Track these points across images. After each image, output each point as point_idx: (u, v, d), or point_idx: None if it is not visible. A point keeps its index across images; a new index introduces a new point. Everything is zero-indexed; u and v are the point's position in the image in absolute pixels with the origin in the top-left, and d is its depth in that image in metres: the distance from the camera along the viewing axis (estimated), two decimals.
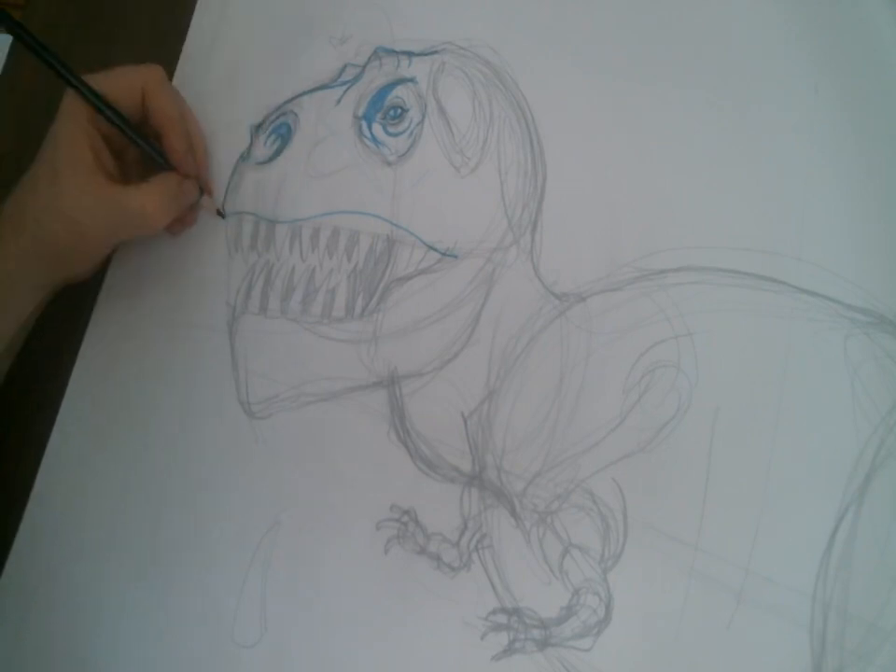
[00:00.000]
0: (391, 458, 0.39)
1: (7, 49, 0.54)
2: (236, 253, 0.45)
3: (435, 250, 0.41)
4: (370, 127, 0.43)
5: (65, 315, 0.47)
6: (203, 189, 0.45)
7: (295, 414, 0.41)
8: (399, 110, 0.43)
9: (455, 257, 0.41)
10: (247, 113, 0.47)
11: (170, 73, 0.48)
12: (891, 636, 0.32)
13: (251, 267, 0.44)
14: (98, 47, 0.52)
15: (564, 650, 0.35)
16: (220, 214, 0.46)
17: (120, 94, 0.41)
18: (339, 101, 0.44)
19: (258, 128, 0.46)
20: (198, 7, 0.50)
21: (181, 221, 0.45)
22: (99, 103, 0.40)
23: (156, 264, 0.47)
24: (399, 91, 0.43)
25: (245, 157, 0.46)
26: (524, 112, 0.42)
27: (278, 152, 0.45)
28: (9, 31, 0.38)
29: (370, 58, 0.45)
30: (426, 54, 0.44)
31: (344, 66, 0.45)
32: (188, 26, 0.50)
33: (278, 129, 0.45)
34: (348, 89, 0.44)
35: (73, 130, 0.40)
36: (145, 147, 0.42)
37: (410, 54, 0.44)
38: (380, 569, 0.38)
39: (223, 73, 0.48)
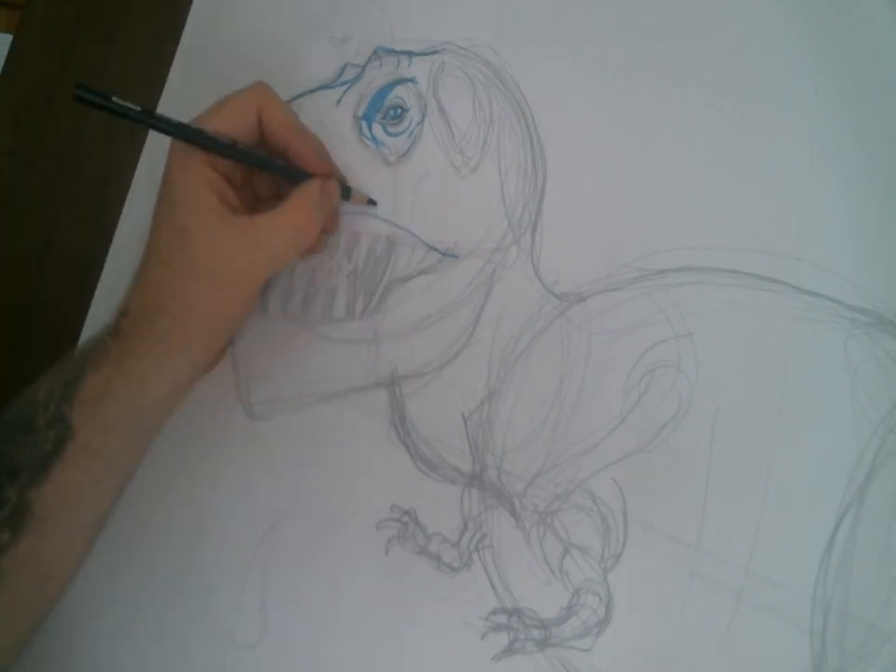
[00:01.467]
0: (391, 458, 0.39)
1: (6, 50, 0.54)
2: None
3: (435, 250, 0.41)
4: (370, 127, 0.43)
5: (62, 315, 0.46)
6: (343, 183, 0.40)
7: (296, 415, 0.41)
8: (399, 110, 0.43)
9: (456, 257, 0.41)
10: None
11: (166, 73, 0.48)
12: (892, 636, 0.32)
13: None
14: (98, 47, 0.51)
15: (564, 650, 0.35)
16: (372, 202, 0.41)
17: (238, 126, 0.36)
18: (339, 101, 0.44)
19: None
20: (195, 6, 0.50)
21: (325, 230, 0.40)
22: (221, 148, 0.36)
23: None
24: (400, 91, 0.43)
25: None
26: (524, 112, 0.42)
27: None
28: (146, 123, 0.34)
29: (370, 58, 0.44)
30: (426, 54, 0.44)
31: (344, 66, 0.45)
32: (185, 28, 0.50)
33: None
34: (348, 89, 0.44)
35: (188, 180, 0.35)
36: (276, 168, 0.38)
37: (410, 54, 0.44)
38: (380, 569, 0.38)
39: (222, 73, 0.48)
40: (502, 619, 0.36)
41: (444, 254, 0.41)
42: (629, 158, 0.40)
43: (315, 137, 0.40)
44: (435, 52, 0.43)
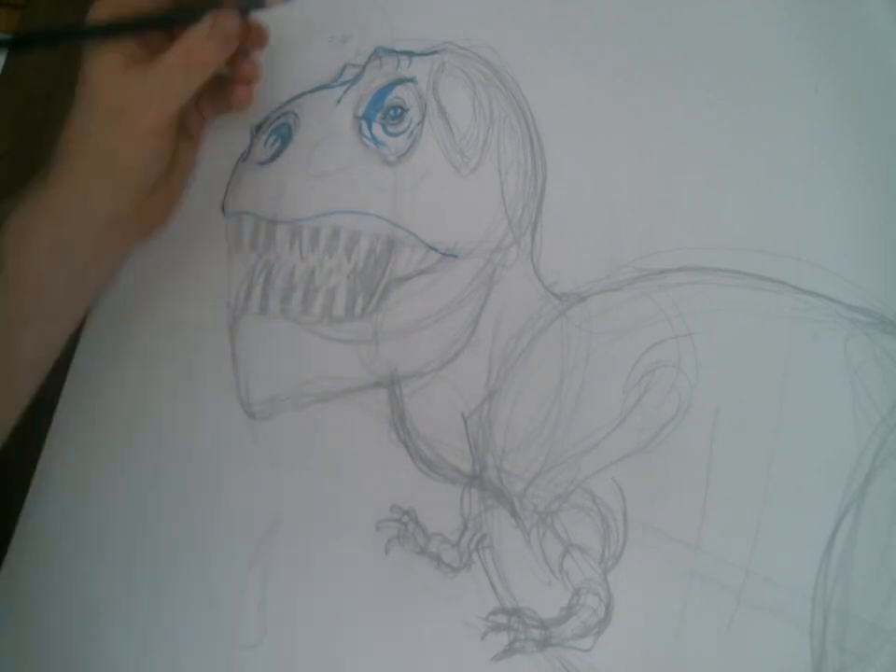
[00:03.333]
0: (391, 458, 0.39)
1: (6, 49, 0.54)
2: (236, 253, 0.45)
3: (435, 250, 0.41)
4: (370, 127, 0.43)
5: None
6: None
7: (295, 415, 0.41)
8: (399, 110, 0.43)
9: (456, 257, 0.41)
10: (247, 113, 0.47)
11: None
12: (892, 636, 0.32)
13: (251, 267, 0.44)
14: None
15: (564, 650, 0.35)
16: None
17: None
18: (339, 101, 0.44)
19: (257, 128, 0.46)
20: None
21: (243, 72, 0.42)
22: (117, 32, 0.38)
23: (155, 264, 0.47)
24: (399, 91, 0.43)
25: (244, 157, 0.46)
26: (524, 112, 0.42)
27: (278, 152, 0.45)
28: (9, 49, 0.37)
29: (370, 58, 0.45)
30: (426, 54, 0.44)
31: (344, 66, 0.45)
32: None
33: (278, 129, 0.45)
34: (348, 89, 0.44)
35: (98, 58, 0.38)
36: (182, 18, 0.39)
37: (410, 54, 0.44)
38: (380, 569, 0.38)
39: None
40: (502, 619, 0.36)
41: (444, 254, 0.41)
42: (629, 158, 0.40)
43: None
44: (435, 52, 0.43)
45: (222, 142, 0.47)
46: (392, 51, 0.44)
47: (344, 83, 0.45)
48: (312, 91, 0.45)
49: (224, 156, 0.46)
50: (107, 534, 0.43)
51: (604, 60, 0.41)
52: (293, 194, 0.44)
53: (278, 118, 0.46)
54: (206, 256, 0.45)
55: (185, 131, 0.43)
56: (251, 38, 0.42)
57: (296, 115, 0.45)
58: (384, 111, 0.43)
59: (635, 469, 0.36)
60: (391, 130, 0.43)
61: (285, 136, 0.45)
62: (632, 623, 0.35)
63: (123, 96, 0.38)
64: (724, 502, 0.34)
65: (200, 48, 0.38)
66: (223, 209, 0.46)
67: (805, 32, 0.39)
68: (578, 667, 0.35)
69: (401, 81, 0.43)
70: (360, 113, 0.43)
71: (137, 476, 0.43)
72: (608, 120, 0.40)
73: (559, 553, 0.36)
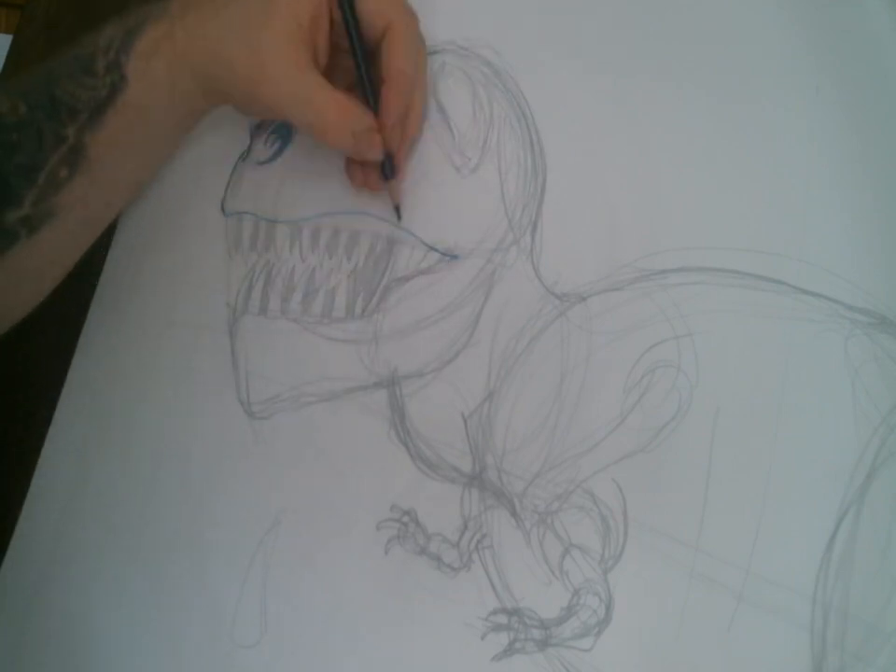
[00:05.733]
0: (391, 459, 0.39)
1: (6, 49, 0.54)
2: (236, 253, 0.45)
3: (435, 250, 0.41)
4: None
5: (62, 314, 0.46)
6: (394, 169, 0.40)
7: (295, 415, 0.41)
8: None
9: (456, 257, 0.41)
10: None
11: None
12: (892, 637, 0.32)
13: (251, 267, 0.44)
14: None
15: (564, 650, 0.35)
16: (397, 212, 0.41)
17: (367, 14, 0.38)
18: None
19: (258, 128, 0.46)
20: None
21: (364, 176, 0.41)
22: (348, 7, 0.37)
23: (155, 264, 0.47)
24: None
25: (244, 157, 0.46)
26: (524, 112, 0.42)
27: (278, 152, 0.45)
28: None
29: None
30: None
31: None
32: None
33: (278, 129, 0.45)
34: None
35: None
36: (363, 78, 0.39)
37: None
38: (380, 570, 0.38)
39: None
40: (502, 619, 0.36)
41: (444, 254, 0.41)
42: (629, 158, 0.40)
43: (416, 112, 0.40)
44: (435, 52, 0.43)
45: (222, 142, 0.47)
46: None
47: None
48: None
49: (224, 156, 0.46)
50: (107, 534, 0.43)
51: (604, 60, 0.41)
52: (293, 194, 0.44)
53: None
54: (206, 256, 0.45)
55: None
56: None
57: None
58: None
59: (635, 469, 0.36)
60: None
61: (285, 136, 0.45)
62: (632, 623, 0.35)
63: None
64: (724, 502, 0.34)
65: (336, 135, 0.38)
66: (223, 209, 0.46)
67: (806, 32, 0.39)
68: (578, 667, 0.35)
69: None
70: None
71: (137, 476, 0.43)
72: (608, 120, 0.40)
73: (559, 553, 0.36)
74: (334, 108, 0.37)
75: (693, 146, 0.39)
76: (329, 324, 0.42)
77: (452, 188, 0.41)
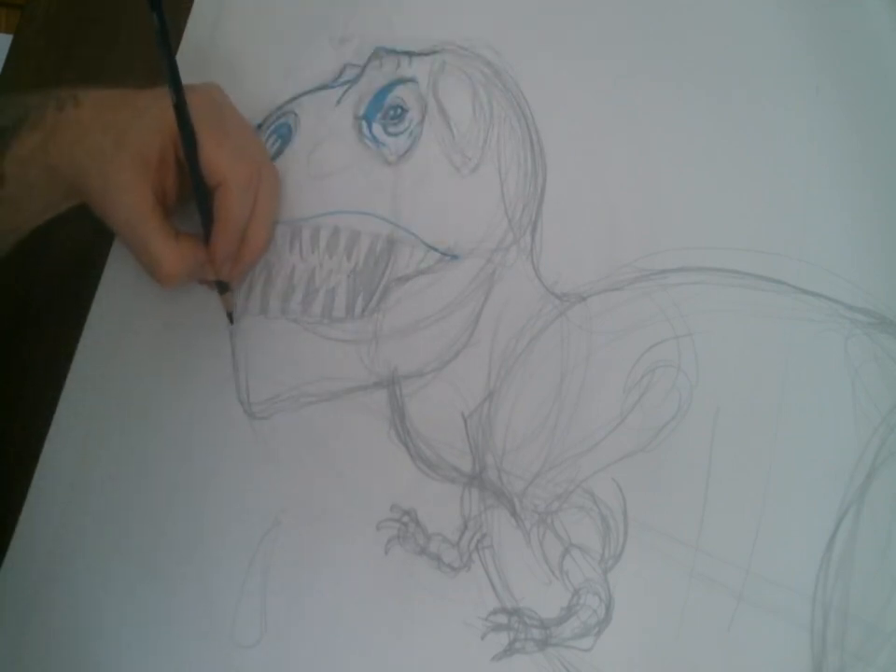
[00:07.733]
0: (391, 458, 0.39)
1: (6, 49, 0.54)
2: None
3: (435, 250, 0.41)
4: (370, 127, 0.43)
5: (62, 315, 0.46)
6: (226, 286, 0.42)
7: (295, 415, 0.41)
8: (400, 110, 0.43)
9: (456, 257, 0.41)
10: (247, 114, 0.46)
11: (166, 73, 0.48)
12: (892, 637, 0.32)
13: None
14: (98, 47, 0.51)
15: (564, 650, 0.35)
16: (229, 318, 0.43)
17: (205, 164, 0.39)
18: (339, 101, 0.44)
19: (258, 128, 0.46)
20: (195, 7, 0.50)
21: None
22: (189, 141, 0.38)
23: None
24: (400, 91, 0.43)
25: None
26: (524, 112, 0.42)
27: (278, 152, 0.45)
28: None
29: (370, 58, 0.44)
30: (426, 54, 0.44)
31: (344, 66, 0.45)
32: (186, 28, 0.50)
33: (278, 129, 0.45)
34: (348, 89, 0.44)
35: (151, 127, 0.38)
36: (202, 215, 0.40)
37: (410, 54, 0.44)
38: (380, 570, 0.38)
39: (222, 73, 0.48)
40: (502, 619, 0.36)
41: (444, 254, 0.41)
42: (629, 158, 0.40)
43: (253, 248, 0.41)
44: (435, 52, 0.43)
45: None
46: (392, 51, 0.44)
47: (345, 83, 0.45)
48: (312, 92, 0.45)
49: None
50: (107, 534, 0.43)
51: (604, 60, 0.41)
52: (293, 194, 0.44)
53: (278, 118, 0.46)
54: None
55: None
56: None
57: (296, 115, 0.45)
58: (384, 111, 0.43)
59: (635, 468, 0.36)
60: (391, 130, 0.43)
61: (285, 136, 0.45)
62: (632, 623, 0.35)
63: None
64: (724, 502, 0.35)
65: (168, 282, 0.40)
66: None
67: (806, 32, 0.39)
68: (578, 667, 0.35)
69: (401, 81, 0.43)
70: (360, 113, 0.43)
71: (137, 476, 0.43)
72: (607, 120, 0.40)
73: (559, 553, 0.36)
74: (168, 259, 0.39)
75: (692, 145, 0.39)
76: (328, 324, 0.42)
77: (452, 187, 0.41)
